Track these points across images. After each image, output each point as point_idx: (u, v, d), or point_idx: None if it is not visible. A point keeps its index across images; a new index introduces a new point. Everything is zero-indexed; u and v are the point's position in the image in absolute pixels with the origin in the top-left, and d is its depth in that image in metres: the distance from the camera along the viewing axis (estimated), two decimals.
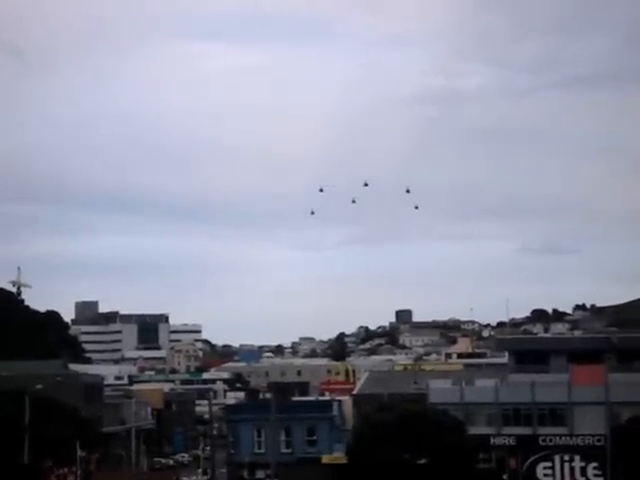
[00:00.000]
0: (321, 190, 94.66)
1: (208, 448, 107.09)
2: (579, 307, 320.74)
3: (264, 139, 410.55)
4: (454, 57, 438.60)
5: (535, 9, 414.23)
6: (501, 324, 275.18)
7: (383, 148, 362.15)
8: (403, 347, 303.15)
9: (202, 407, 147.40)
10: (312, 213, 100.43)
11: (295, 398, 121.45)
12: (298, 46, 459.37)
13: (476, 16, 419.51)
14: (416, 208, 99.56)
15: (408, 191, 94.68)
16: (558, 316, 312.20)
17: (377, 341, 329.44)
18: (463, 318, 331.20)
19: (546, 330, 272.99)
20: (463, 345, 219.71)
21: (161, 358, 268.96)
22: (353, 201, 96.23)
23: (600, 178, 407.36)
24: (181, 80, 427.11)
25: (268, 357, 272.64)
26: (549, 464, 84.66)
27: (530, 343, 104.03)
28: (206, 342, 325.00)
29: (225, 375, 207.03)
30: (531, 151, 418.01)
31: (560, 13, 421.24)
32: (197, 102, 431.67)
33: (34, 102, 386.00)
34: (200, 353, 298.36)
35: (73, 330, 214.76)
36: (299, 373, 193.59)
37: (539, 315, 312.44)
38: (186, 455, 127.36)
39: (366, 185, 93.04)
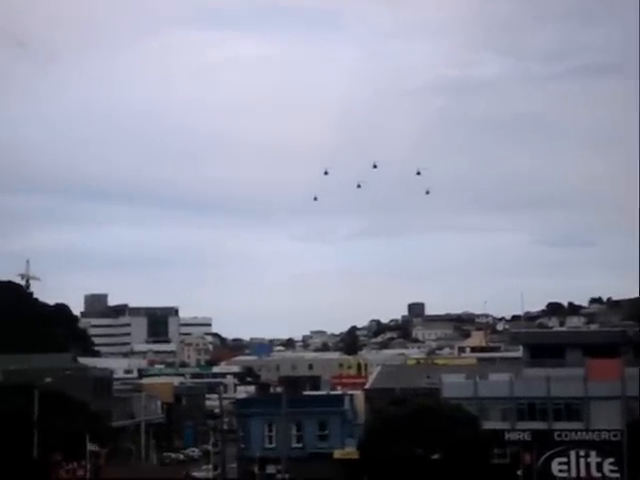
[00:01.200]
0: (326, 173, 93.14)
1: (218, 443, 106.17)
2: (595, 300, 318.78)
3: (275, 130, 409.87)
4: (467, 47, 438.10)
5: None
6: (516, 317, 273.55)
7: (396, 139, 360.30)
8: (416, 341, 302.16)
9: (212, 401, 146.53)
10: (315, 199, 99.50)
11: (306, 392, 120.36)
12: (311, 36, 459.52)
13: (490, 6, 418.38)
14: (427, 193, 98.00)
15: (419, 173, 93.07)
16: (574, 309, 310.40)
17: (389, 335, 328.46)
18: (477, 311, 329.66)
19: (561, 324, 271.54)
20: (477, 339, 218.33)
21: (171, 351, 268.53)
22: (358, 186, 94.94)
23: (616, 169, 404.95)
24: (191, 70, 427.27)
25: (279, 351, 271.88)
26: (564, 459, 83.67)
27: (545, 337, 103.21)
28: (216, 335, 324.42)
29: (235, 369, 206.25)
30: (546, 141, 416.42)
31: (575, 2, 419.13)
32: (207, 93, 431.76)
33: (42, 94, 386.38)
34: (210, 347, 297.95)
35: (82, 323, 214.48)
36: (310, 367, 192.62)
37: (554, 308, 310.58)
38: (196, 450, 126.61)
39: (375, 167, 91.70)
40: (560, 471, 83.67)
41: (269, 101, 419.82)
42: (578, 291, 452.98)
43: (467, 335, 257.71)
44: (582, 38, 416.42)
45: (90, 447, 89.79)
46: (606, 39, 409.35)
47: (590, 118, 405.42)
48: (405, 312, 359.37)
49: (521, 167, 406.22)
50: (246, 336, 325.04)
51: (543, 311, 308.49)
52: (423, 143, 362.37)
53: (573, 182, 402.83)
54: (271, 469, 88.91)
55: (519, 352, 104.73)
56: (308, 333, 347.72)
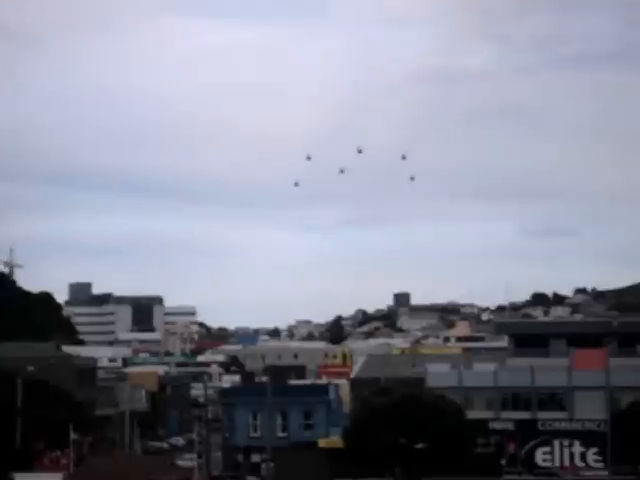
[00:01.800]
0: (308, 158, 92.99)
1: (203, 432, 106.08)
2: (580, 291, 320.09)
3: (261, 117, 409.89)
4: (454, 36, 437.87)
5: None
6: (501, 307, 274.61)
7: (381, 127, 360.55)
8: (401, 330, 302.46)
9: (197, 390, 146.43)
10: (296, 185, 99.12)
11: (291, 382, 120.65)
12: (297, 24, 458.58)
13: None
14: (412, 179, 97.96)
15: (404, 157, 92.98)
16: (558, 300, 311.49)
17: (375, 324, 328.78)
18: (462, 301, 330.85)
19: (546, 314, 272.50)
20: (462, 329, 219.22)
21: (156, 340, 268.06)
22: (341, 171, 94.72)
23: (600, 159, 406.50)
24: (178, 58, 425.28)
25: (264, 340, 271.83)
26: (548, 449, 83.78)
27: (530, 327, 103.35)
28: (201, 324, 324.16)
29: (220, 358, 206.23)
30: (532, 131, 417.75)
31: None
32: (192, 79, 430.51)
33: (29, 80, 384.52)
34: (195, 336, 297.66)
35: (66, 311, 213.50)
36: (296, 356, 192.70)
37: (539, 299, 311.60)
38: (180, 439, 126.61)
39: (360, 152, 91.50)
40: (544, 460, 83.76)
41: (254, 88, 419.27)
42: (563, 281, 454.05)
43: (452, 325, 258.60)
44: (568, 28, 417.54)
45: (73, 436, 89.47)
46: (594, 29, 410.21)
47: (576, 108, 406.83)
48: (391, 302, 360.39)
49: (506, 157, 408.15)
50: (231, 325, 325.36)
51: (528, 301, 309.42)
52: (409, 132, 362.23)
53: (558, 172, 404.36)
54: (256, 458, 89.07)
55: (504, 342, 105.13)
56: (293, 322, 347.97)
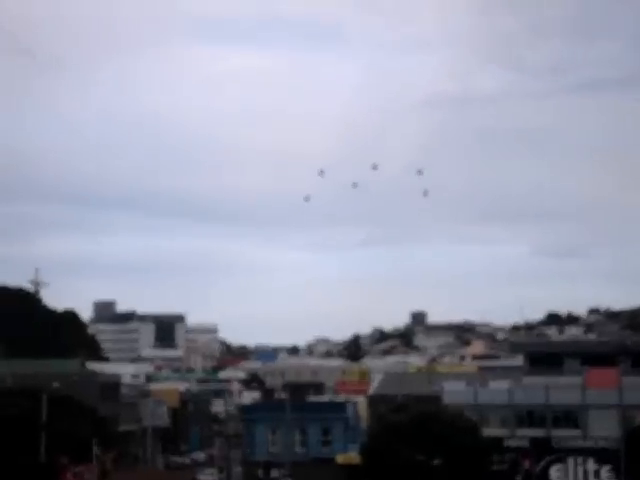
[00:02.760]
0: (322, 172, 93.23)
1: (224, 447, 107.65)
2: (593, 311, 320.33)
3: (279, 141, 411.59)
4: (468, 61, 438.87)
5: (550, 13, 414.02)
6: (516, 327, 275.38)
7: (397, 151, 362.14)
8: (417, 349, 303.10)
9: (218, 406, 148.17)
10: (306, 199, 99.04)
11: (310, 398, 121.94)
12: (313, 49, 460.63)
13: (491, 20, 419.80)
14: (425, 195, 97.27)
15: (420, 172, 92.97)
16: (572, 319, 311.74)
17: (392, 342, 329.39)
18: (477, 320, 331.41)
19: (560, 333, 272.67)
20: (477, 347, 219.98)
21: (178, 357, 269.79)
22: (354, 185, 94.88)
23: (613, 182, 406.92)
24: (197, 82, 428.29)
25: (284, 357, 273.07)
26: (563, 466, 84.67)
27: (544, 346, 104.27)
28: (222, 342, 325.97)
29: (241, 375, 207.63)
30: (545, 155, 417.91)
31: (575, 17, 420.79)
32: (213, 104, 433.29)
33: (52, 103, 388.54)
34: (216, 353, 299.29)
35: (91, 329, 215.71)
36: (314, 373, 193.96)
37: (553, 318, 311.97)
38: (202, 454, 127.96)
39: (375, 168, 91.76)
40: (558, 477, 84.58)
41: (272, 113, 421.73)
42: (577, 301, 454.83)
43: (468, 343, 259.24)
44: (582, 53, 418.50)
45: (97, 451, 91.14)
46: (607, 54, 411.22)
47: (589, 132, 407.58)
48: (407, 320, 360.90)
49: (521, 180, 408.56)
50: (251, 343, 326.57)
51: (542, 321, 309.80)
52: (424, 154, 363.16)
53: (572, 194, 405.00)
54: (275, 473, 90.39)
55: (519, 360, 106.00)
56: (312, 340, 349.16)
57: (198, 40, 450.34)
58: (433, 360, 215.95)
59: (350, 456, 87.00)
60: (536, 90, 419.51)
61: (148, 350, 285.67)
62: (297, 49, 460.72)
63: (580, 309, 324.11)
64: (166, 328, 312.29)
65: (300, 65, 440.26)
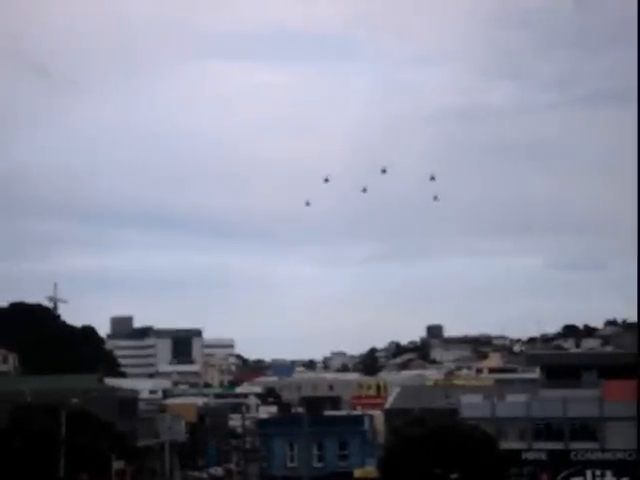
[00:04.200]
0: (327, 180, 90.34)
1: (241, 462, 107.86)
2: (610, 323, 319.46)
3: (290, 156, 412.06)
4: (477, 75, 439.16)
5: (556, 25, 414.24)
6: (532, 339, 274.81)
7: (407, 164, 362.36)
8: (434, 362, 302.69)
9: (235, 421, 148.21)
10: (307, 204, 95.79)
11: (327, 412, 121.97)
12: (322, 64, 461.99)
13: (498, 33, 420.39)
14: (435, 199, 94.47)
15: (433, 178, 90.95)
16: (589, 332, 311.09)
17: (408, 356, 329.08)
18: (494, 333, 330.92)
19: (577, 345, 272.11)
20: (494, 360, 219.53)
21: (195, 372, 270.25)
22: (364, 190, 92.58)
23: (625, 193, 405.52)
24: (210, 98, 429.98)
25: (300, 372, 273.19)
26: (581, 479, 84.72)
27: (561, 358, 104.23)
28: (239, 357, 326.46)
29: (258, 389, 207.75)
30: (557, 167, 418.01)
31: (581, 29, 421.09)
32: (226, 120, 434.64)
33: (67, 122, 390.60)
34: (233, 367, 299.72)
35: (108, 345, 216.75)
36: (331, 388, 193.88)
37: (570, 331, 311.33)
38: (219, 469, 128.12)
39: (384, 172, 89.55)
40: None
41: (284, 128, 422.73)
42: (593, 313, 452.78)
43: (484, 356, 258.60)
44: (590, 65, 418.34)
45: (116, 466, 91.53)
46: (613, 66, 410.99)
47: (599, 143, 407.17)
48: (423, 334, 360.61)
49: (532, 191, 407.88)
50: (268, 357, 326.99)
51: (559, 333, 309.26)
52: (435, 169, 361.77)
53: (585, 207, 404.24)
54: None
55: (536, 373, 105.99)
56: (328, 354, 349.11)
57: (211, 57, 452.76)
58: (450, 373, 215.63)
59: (367, 470, 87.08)
60: (544, 103, 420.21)
61: (165, 365, 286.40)
62: (309, 64, 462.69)
63: (597, 321, 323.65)
64: (183, 343, 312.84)
65: (311, 80, 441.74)
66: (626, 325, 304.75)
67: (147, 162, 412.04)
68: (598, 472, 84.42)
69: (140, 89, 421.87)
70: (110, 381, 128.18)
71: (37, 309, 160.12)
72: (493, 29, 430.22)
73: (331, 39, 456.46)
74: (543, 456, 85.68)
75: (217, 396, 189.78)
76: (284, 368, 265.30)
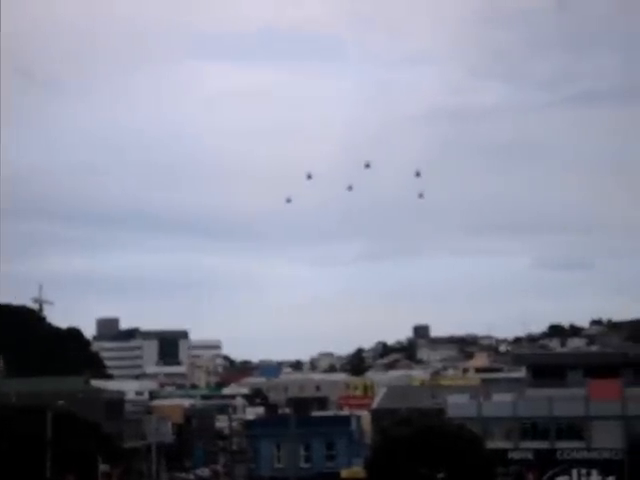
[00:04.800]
0: (309, 177, 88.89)
1: (228, 463, 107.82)
2: (595, 322, 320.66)
3: (277, 156, 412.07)
4: (467, 75, 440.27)
5: (548, 26, 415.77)
6: (518, 339, 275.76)
7: (395, 164, 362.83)
8: (421, 362, 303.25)
9: (222, 422, 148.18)
10: (288, 201, 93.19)
11: (314, 413, 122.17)
12: (312, 65, 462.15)
13: (489, 34, 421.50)
14: (420, 196, 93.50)
15: (418, 174, 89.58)
16: (575, 331, 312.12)
17: (395, 356, 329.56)
18: (480, 333, 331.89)
19: (563, 345, 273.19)
20: (480, 360, 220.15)
21: (181, 374, 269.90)
22: (349, 188, 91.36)
23: (614, 193, 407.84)
24: (197, 99, 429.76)
25: (287, 372, 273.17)
26: (567, 478, 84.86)
27: (547, 358, 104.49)
28: (226, 358, 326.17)
29: (245, 390, 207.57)
30: (545, 167, 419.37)
31: (573, 29, 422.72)
32: (213, 120, 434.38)
33: (51, 123, 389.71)
34: (220, 369, 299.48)
35: (94, 346, 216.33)
36: (318, 388, 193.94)
37: (556, 330, 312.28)
38: (206, 470, 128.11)
39: (368, 167, 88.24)
40: None
41: (272, 129, 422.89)
42: (579, 313, 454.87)
43: (471, 356, 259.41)
44: (582, 65, 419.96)
45: (102, 468, 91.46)
46: (604, 67, 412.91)
47: (589, 143, 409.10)
48: (410, 334, 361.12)
49: (521, 192, 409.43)
50: (255, 358, 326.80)
51: (545, 333, 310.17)
52: (424, 168, 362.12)
53: (572, 206, 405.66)
54: None
55: (522, 373, 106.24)
56: (315, 355, 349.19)
57: (198, 57, 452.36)
58: (436, 373, 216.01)
59: (354, 470, 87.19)
60: (535, 103, 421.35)
61: (152, 367, 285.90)
62: (297, 64, 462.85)
63: (582, 321, 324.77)
64: (169, 345, 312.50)
65: (300, 80, 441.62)
66: (611, 324, 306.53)
67: (133, 163, 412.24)
68: (584, 471, 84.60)
69: (124, 90, 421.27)
70: (96, 383, 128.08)
71: (22, 311, 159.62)
72: (485, 30, 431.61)
73: (320, 39, 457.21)
74: (529, 455, 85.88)
75: (204, 397, 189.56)
76: (271, 369, 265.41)
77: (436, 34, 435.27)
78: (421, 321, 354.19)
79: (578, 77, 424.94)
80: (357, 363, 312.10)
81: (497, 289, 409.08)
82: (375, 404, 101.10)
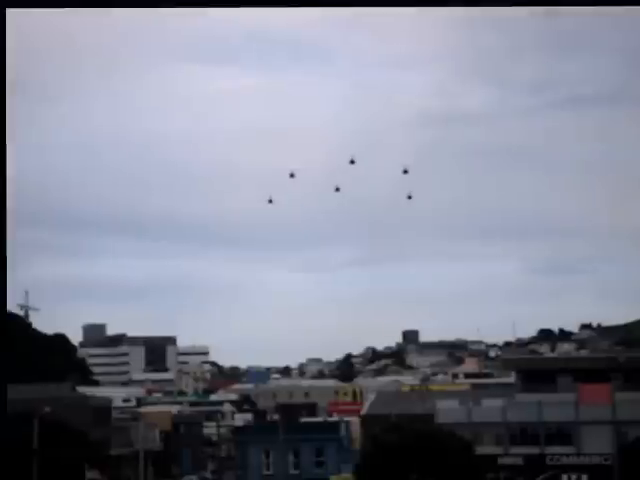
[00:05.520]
0: (292, 175, 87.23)
1: (217, 470, 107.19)
2: (585, 326, 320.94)
3: (265, 160, 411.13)
4: (454, 79, 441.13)
5: (533, 29, 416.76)
6: (508, 344, 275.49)
7: (383, 168, 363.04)
8: (410, 367, 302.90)
9: (210, 429, 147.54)
10: (270, 202, 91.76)
11: (303, 419, 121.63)
12: (298, 68, 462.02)
13: (475, 38, 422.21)
14: (409, 198, 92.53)
15: (406, 172, 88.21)
16: (564, 336, 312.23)
17: (384, 362, 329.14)
18: (470, 338, 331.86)
19: (553, 350, 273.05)
20: (470, 365, 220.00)
21: (169, 380, 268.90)
22: (337, 189, 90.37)
23: (602, 197, 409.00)
24: (184, 103, 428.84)
25: (276, 379, 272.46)
26: None
27: (537, 363, 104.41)
28: (214, 364, 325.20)
29: (233, 397, 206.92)
30: (533, 170, 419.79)
31: (558, 33, 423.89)
32: (201, 125, 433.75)
33: (39, 129, 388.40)
34: (208, 375, 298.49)
35: (81, 353, 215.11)
36: (307, 394, 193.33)
37: (545, 335, 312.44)
38: (194, 477, 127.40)
39: (352, 162, 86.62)
40: None
41: (259, 133, 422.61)
42: (568, 318, 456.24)
43: (460, 361, 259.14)
44: (566, 69, 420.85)
45: (89, 475, 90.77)
46: (589, 71, 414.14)
47: (576, 147, 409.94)
48: (399, 339, 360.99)
49: (510, 196, 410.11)
50: (243, 364, 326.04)
51: (534, 337, 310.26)
52: (411, 173, 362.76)
53: (561, 211, 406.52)
54: None
55: (511, 378, 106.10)
56: (304, 361, 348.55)
57: (181, 60, 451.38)
58: (426, 379, 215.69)
59: (344, 477, 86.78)
60: (521, 107, 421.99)
61: (139, 373, 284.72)
62: (284, 68, 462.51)
63: (572, 325, 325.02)
64: (157, 351, 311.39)
65: (285, 84, 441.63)
66: (601, 329, 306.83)
67: (119, 169, 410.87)
68: (574, 476, 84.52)
69: (116, 96, 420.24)
70: (83, 390, 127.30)
71: (8, 317, 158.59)
72: (470, 33, 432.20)
73: (306, 43, 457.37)
74: (519, 461, 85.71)
75: (192, 404, 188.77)
76: (259, 375, 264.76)
77: (422, 38, 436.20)
78: (410, 326, 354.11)
79: (563, 81, 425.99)
80: (346, 369, 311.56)
81: (486, 294, 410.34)
82: (364, 410, 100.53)
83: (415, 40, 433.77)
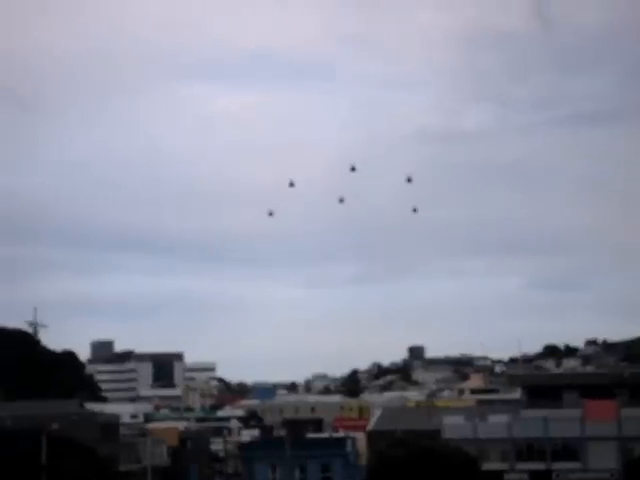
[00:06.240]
0: (292, 184, 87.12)
1: None
2: (590, 342, 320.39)
3: (267, 178, 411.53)
4: (454, 97, 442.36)
5: (535, 47, 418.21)
6: (513, 360, 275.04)
7: (386, 185, 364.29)
8: (416, 383, 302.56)
9: (217, 445, 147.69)
10: (270, 214, 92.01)
11: (309, 435, 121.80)
12: (301, 87, 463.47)
13: (475, 56, 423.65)
14: (415, 211, 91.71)
15: (410, 180, 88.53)
16: (570, 351, 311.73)
17: (390, 377, 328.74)
18: (475, 354, 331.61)
19: (558, 365, 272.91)
20: (476, 381, 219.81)
21: (176, 396, 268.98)
22: (341, 200, 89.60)
23: (605, 213, 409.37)
24: (189, 121, 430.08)
25: (282, 394, 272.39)
26: None
27: (542, 379, 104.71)
28: (221, 380, 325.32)
29: (240, 412, 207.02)
30: (536, 187, 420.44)
31: (559, 51, 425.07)
32: (205, 143, 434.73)
33: (47, 147, 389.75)
34: (215, 391, 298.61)
35: (89, 369, 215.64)
36: (313, 410, 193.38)
37: (551, 351, 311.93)
38: None
39: (353, 170, 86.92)
40: None
41: (262, 151, 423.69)
42: (574, 333, 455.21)
43: (466, 377, 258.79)
44: (568, 87, 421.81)
45: None
46: (591, 88, 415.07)
47: (578, 164, 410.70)
48: (405, 355, 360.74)
49: (512, 213, 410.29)
50: (250, 380, 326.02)
51: (540, 353, 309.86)
52: (414, 190, 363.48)
53: (566, 227, 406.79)
54: None
55: (517, 394, 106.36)
56: (310, 377, 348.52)
57: (185, 79, 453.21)
58: (432, 395, 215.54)
59: None
60: (521, 125, 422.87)
61: (146, 389, 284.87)
62: (287, 87, 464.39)
63: (577, 341, 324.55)
64: (164, 367, 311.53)
65: (288, 103, 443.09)
66: (607, 345, 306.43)
67: (128, 186, 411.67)
68: None
69: (119, 113, 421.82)
70: (91, 406, 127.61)
71: (17, 334, 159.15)
72: (471, 51, 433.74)
73: (309, 62, 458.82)
74: (525, 477, 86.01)
75: (199, 420, 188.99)
76: (266, 391, 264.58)
77: (424, 57, 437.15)
78: (416, 342, 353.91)
79: (565, 98, 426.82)
80: (352, 384, 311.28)
81: (492, 310, 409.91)
82: (370, 426, 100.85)
83: (415, 58, 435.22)
